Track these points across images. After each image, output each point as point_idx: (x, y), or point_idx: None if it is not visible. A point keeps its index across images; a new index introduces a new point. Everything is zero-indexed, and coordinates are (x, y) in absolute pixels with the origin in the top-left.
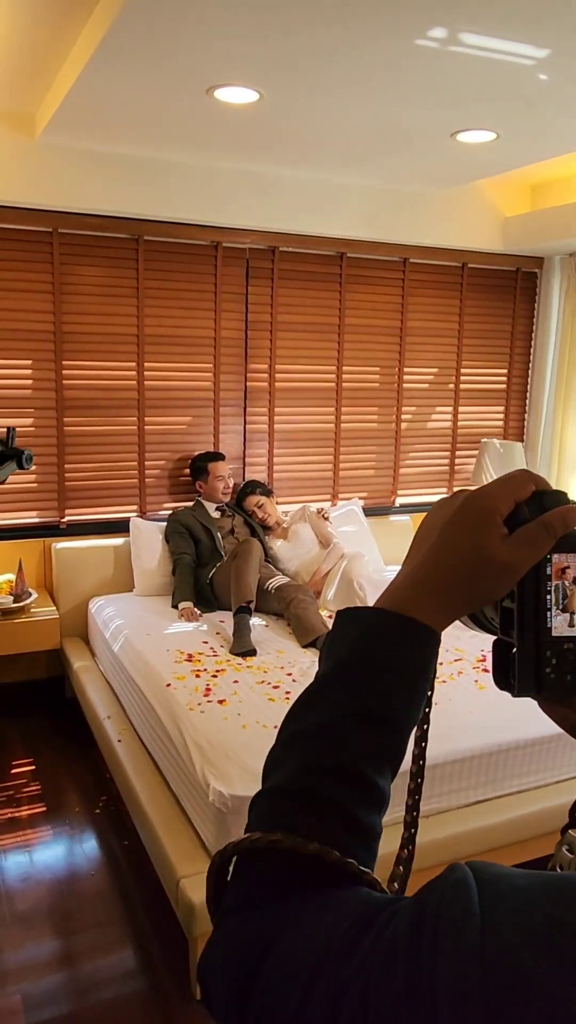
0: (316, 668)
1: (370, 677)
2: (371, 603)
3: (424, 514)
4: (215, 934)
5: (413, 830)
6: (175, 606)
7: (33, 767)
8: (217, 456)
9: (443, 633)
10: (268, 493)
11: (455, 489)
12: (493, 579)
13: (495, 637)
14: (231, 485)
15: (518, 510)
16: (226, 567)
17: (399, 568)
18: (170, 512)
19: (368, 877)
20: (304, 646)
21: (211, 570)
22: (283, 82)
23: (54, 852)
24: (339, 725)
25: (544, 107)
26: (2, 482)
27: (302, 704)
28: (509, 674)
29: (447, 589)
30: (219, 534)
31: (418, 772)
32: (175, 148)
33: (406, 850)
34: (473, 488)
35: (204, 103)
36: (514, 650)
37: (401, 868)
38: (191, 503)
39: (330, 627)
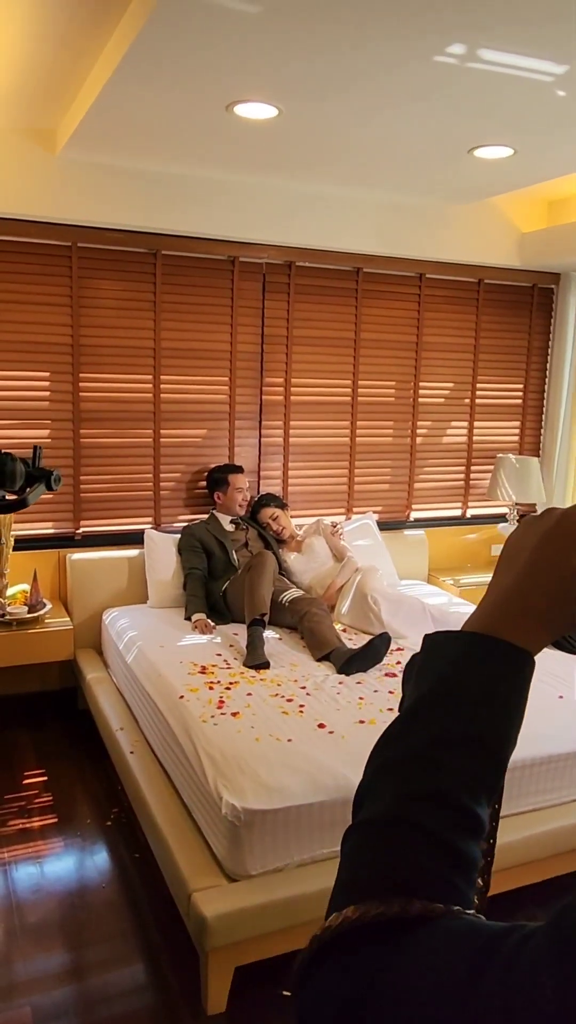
0: (330, 682)
1: (466, 704)
2: (387, 619)
3: (438, 529)
4: (310, 983)
5: (489, 858)
6: (188, 618)
7: (45, 778)
8: (237, 468)
9: None
10: (283, 506)
11: (470, 505)
12: None
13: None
14: (248, 497)
15: None
16: (240, 580)
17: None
18: (184, 525)
19: (475, 915)
20: (318, 659)
21: (224, 583)
22: (302, 98)
23: (65, 864)
24: (436, 751)
25: (562, 123)
26: (29, 504)
27: (394, 732)
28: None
29: (543, 611)
30: (232, 547)
31: (498, 794)
32: (194, 163)
33: (481, 879)
34: (567, 506)
35: (224, 119)
36: None
37: (476, 899)
38: (205, 516)
39: (342, 642)
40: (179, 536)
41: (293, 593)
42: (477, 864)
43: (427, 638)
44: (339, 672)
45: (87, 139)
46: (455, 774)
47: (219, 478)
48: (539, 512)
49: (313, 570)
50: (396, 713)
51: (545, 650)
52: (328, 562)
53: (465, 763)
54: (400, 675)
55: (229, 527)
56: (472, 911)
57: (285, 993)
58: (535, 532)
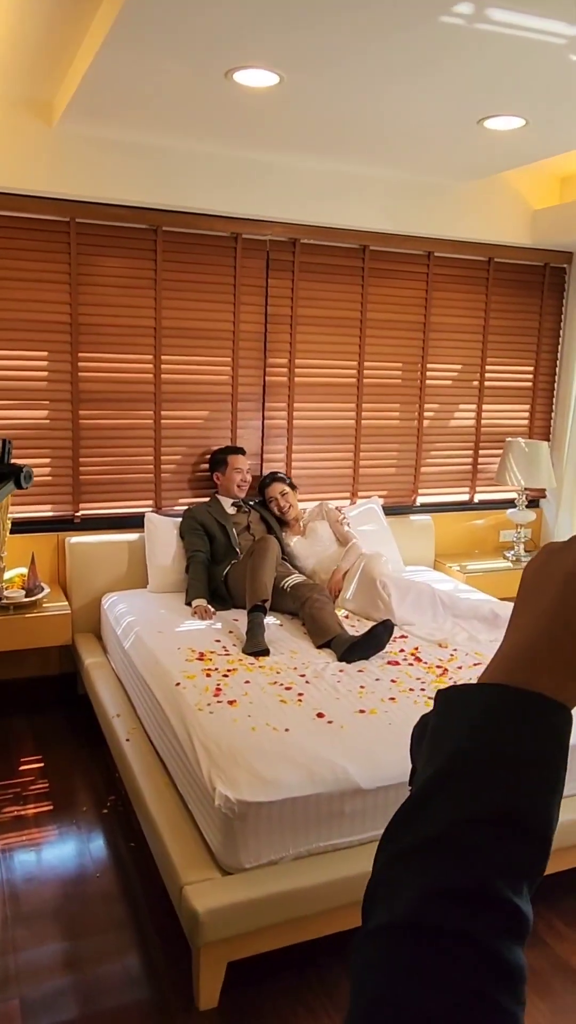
0: (330, 669)
1: (498, 772)
2: (396, 605)
3: (445, 514)
4: None
5: None
6: (188, 603)
7: (42, 764)
8: (238, 449)
9: (460, 636)
10: (293, 486)
11: (476, 490)
12: None
13: None
14: (248, 480)
15: None
16: (242, 565)
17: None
18: (185, 508)
19: None
20: (318, 647)
21: (226, 567)
22: (304, 64)
23: (60, 852)
24: (466, 835)
25: (574, 89)
26: None
27: (410, 814)
28: None
29: None
30: (234, 531)
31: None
32: (194, 136)
33: None
34: None
35: (223, 87)
36: None
37: None
38: (207, 499)
39: (344, 629)
40: (180, 519)
41: (295, 579)
42: (525, 974)
43: (440, 694)
44: (340, 660)
45: (84, 110)
46: (490, 861)
47: (219, 459)
48: (564, 540)
49: (316, 555)
50: (407, 792)
51: None
52: (332, 547)
53: (501, 847)
54: (403, 663)
55: (231, 510)
56: None
57: None
58: (563, 561)
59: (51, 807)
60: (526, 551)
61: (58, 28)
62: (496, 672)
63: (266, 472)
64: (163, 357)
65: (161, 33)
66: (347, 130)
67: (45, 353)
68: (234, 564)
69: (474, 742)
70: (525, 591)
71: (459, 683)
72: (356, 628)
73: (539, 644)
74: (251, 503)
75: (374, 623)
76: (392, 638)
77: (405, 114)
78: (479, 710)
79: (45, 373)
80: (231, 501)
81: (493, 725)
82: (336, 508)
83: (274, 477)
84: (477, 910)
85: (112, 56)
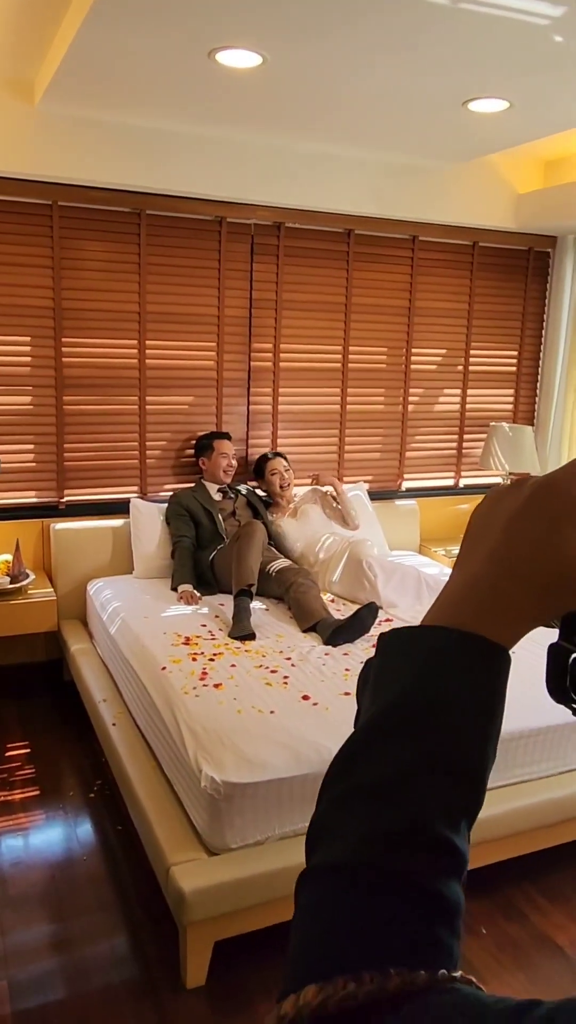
0: (316, 653)
1: (437, 716)
2: (381, 586)
3: (430, 498)
4: None
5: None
6: (174, 589)
7: (29, 750)
8: (224, 435)
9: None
10: (289, 467)
11: (464, 474)
12: (574, 584)
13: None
14: (234, 465)
15: None
16: (228, 549)
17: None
18: (171, 493)
19: (463, 978)
20: (304, 631)
21: (212, 552)
22: (286, 44)
23: (47, 836)
24: (404, 779)
25: (560, 72)
26: None
27: (352, 756)
28: (566, 683)
29: (519, 600)
30: (220, 516)
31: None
32: (178, 117)
33: None
34: (540, 475)
35: (206, 67)
36: (574, 657)
37: None
38: (192, 484)
39: (329, 613)
40: (166, 505)
41: (280, 563)
42: (462, 909)
43: (383, 636)
44: (326, 643)
45: (65, 90)
46: (429, 803)
47: (205, 444)
48: (507, 483)
49: (306, 537)
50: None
51: None
52: (321, 530)
53: (440, 789)
54: None
55: (216, 495)
56: (460, 973)
57: None
58: (506, 507)
59: (38, 792)
60: None
61: (39, 5)
62: (439, 614)
63: (252, 458)
64: (148, 342)
65: (143, 11)
66: (331, 111)
67: (28, 338)
68: (220, 549)
69: (416, 685)
70: (470, 536)
71: (402, 626)
72: (341, 612)
73: (481, 588)
74: (237, 489)
75: (359, 606)
76: (377, 621)
77: (389, 95)
78: (422, 653)
79: (28, 359)
80: (217, 487)
81: (435, 667)
82: (328, 493)
83: (276, 453)
84: (416, 850)
85: (93, 34)
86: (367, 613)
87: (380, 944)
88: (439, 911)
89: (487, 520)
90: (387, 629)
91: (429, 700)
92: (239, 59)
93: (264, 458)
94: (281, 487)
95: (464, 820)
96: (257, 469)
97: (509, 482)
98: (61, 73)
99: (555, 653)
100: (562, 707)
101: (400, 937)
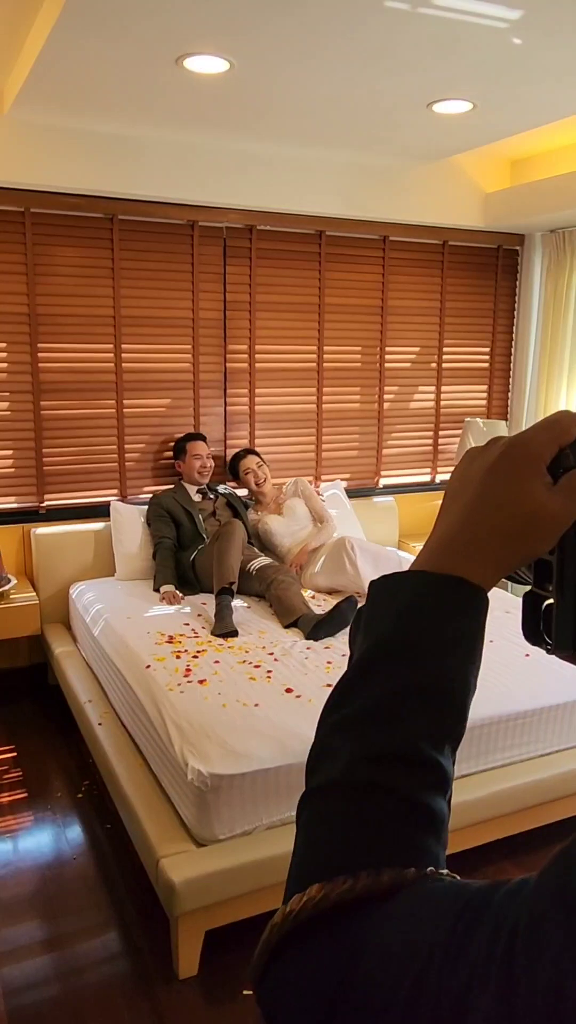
0: (298, 647)
1: (421, 650)
2: (362, 565)
3: (408, 495)
4: (275, 967)
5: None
6: (157, 589)
7: (15, 754)
8: (196, 436)
9: None
10: (262, 462)
11: (443, 466)
12: (540, 531)
13: (523, 589)
14: (209, 466)
15: (561, 456)
16: (208, 549)
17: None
18: (151, 495)
19: (449, 875)
20: (286, 626)
21: (193, 553)
22: (253, 50)
23: (36, 838)
24: (393, 705)
25: (520, 74)
26: None
27: (345, 688)
28: (541, 628)
29: (495, 548)
30: (200, 516)
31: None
32: (148, 124)
33: None
34: (511, 435)
35: (174, 73)
36: (547, 603)
37: None
38: (172, 485)
39: (310, 608)
40: (146, 507)
41: (261, 561)
42: (446, 820)
43: (373, 583)
44: (307, 638)
45: (35, 98)
46: (416, 727)
47: (179, 447)
48: (487, 442)
49: (293, 533)
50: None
51: (513, 612)
52: (308, 525)
53: (426, 714)
54: None
55: (196, 497)
56: (447, 871)
57: (246, 992)
58: (480, 465)
59: (26, 795)
60: None
61: (6, 13)
62: (421, 561)
63: (230, 456)
64: (123, 346)
65: (111, 19)
66: (298, 114)
67: (3, 344)
68: (201, 549)
69: (398, 626)
70: (449, 492)
71: (392, 573)
72: (322, 607)
73: (461, 534)
74: (217, 489)
75: (338, 600)
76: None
77: (355, 98)
78: (406, 594)
79: (4, 364)
80: (196, 488)
81: (419, 606)
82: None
83: (247, 451)
84: (403, 766)
85: (62, 42)
86: (347, 607)
87: (373, 849)
88: (426, 821)
89: (464, 476)
90: None
91: (415, 635)
92: (206, 65)
93: (237, 456)
94: (257, 484)
95: (448, 743)
96: (231, 469)
97: (486, 443)
98: (31, 81)
99: (529, 599)
100: (533, 692)
101: (391, 843)
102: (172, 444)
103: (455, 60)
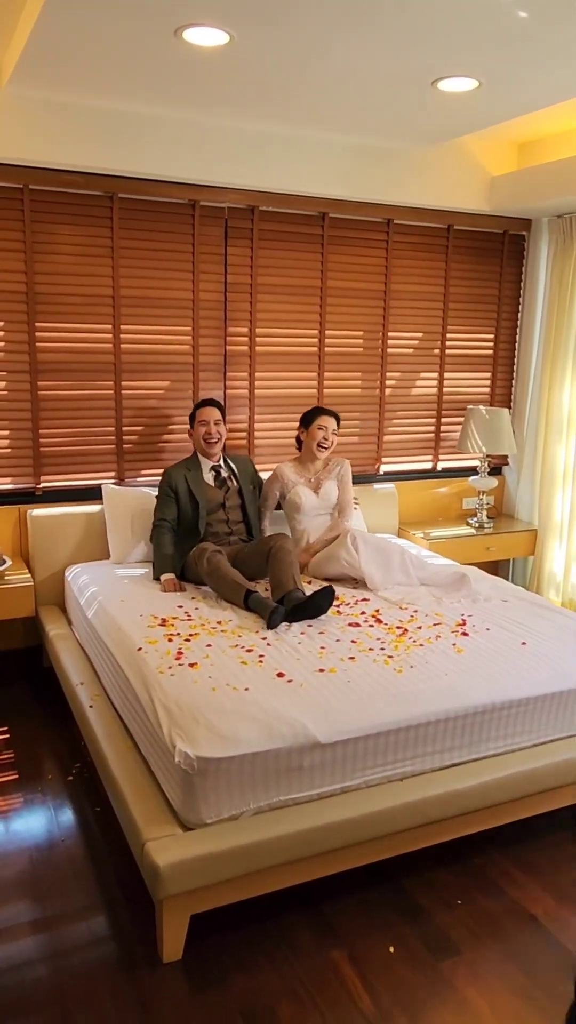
0: (292, 632)
1: None
2: (362, 560)
3: (408, 482)
4: None
5: None
6: (156, 578)
7: (7, 735)
8: (209, 402)
9: (422, 598)
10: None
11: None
12: None
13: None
14: (216, 435)
15: None
16: (208, 557)
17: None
18: (161, 471)
19: None
20: (276, 602)
21: (190, 548)
22: (253, 21)
23: (25, 820)
24: None
25: (527, 51)
26: None
27: None
28: None
29: None
30: (204, 510)
31: None
32: (147, 99)
33: None
34: None
35: (172, 46)
36: None
37: None
38: (188, 456)
39: (299, 585)
40: (144, 489)
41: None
42: None
43: None
44: (285, 619)
45: (32, 72)
46: None
47: (192, 413)
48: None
49: (315, 517)
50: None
51: (511, 600)
52: (328, 515)
53: None
54: (363, 624)
55: (208, 478)
56: None
57: None
58: None
59: (16, 777)
60: (488, 518)
61: None
62: None
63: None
64: (122, 327)
65: None
66: (299, 91)
67: (1, 323)
68: (199, 549)
69: None
70: None
71: None
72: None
73: None
74: (233, 468)
75: (325, 585)
76: (355, 600)
77: (357, 73)
78: None
79: (2, 343)
80: (210, 464)
81: None
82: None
83: (334, 415)
84: None
85: (57, 14)
86: (321, 597)
87: None
88: None
89: None
90: (363, 608)
91: None
92: (206, 37)
93: (318, 410)
94: (320, 445)
95: None
96: (306, 417)
97: None
98: (27, 54)
99: None
100: (527, 680)
101: None
102: (171, 426)
103: (459, 34)
